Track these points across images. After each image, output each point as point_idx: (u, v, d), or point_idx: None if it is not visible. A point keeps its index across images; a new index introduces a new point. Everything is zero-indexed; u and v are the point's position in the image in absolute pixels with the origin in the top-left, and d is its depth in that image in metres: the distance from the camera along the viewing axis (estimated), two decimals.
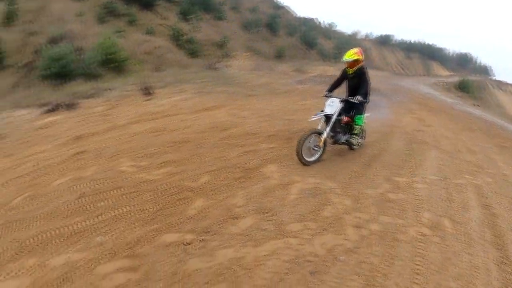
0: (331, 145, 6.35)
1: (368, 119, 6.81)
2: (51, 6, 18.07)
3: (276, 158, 5.93)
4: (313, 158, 5.82)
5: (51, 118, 7.65)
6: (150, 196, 4.47)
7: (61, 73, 12.41)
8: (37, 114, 8.09)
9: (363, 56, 6.09)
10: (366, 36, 60.61)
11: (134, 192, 4.56)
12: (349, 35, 54.55)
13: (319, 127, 5.88)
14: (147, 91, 9.97)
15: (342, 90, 6.53)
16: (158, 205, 4.27)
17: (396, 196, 5.03)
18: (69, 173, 5.12)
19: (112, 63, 13.38)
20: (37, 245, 3.62)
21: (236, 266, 3.29)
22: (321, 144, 5.76)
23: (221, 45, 23.40)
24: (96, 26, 17.91)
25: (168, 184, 4.78)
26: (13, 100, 10.13)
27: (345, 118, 6.07)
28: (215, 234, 3.76)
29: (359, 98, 5.82)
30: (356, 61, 6.06)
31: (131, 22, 20.70)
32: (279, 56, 27.83)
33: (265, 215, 4.15)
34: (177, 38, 20.76)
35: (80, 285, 3.08)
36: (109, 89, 10.23)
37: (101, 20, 19.44)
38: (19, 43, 15.58)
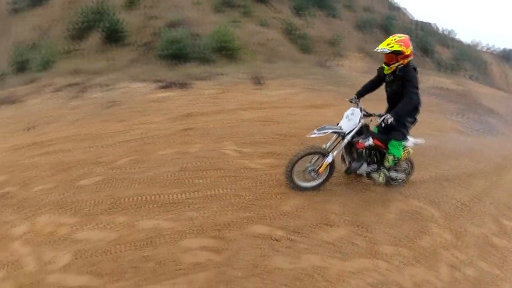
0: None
1: (471, 144, 5.65)
2: None
3: None
4: (309, 184, 4.42)
5: (164, 93, 7.94)
6: (248, 183, 4.42)
7: (177, 54, 13.05)
8: (152, 89, 8.48)
9: (410, 48, 4.02)
10: (488, 48, 53.85)
11: (233, 176, 4.56)
12: (469, 45, 49.09)
13: (328, 144, 4.33)
14: (258, 81, 9.87)
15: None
16: (255, 194, 4.22)
17: (500, 242, 4.40)
18: (175, 146, 5.30)
19: (226, 51, 13.70)
20: (131, 206, 3.88)
21: (318, 275, 3.17)
22: (322, 171, 4.26)
23: (333, 43, 22.53)
24: (212, 15, 18.55)
25: (268, 175, 4.65)
26: (131, 73, 10.89)
27: (360, 142, 4.23)
28: (305, 236, 3.62)
29: (388, 118, 3.84)
30: (396, 54, 3.96)
31: (246, 14, 21.01)
32: None
33: (359, 229, 3.90)
34: (289, 32, 20.48)
35: (162, 252, 3.22)
36: (221, 75, 10.42)
37: (217, 9, 20.03)
38: (140, 25, 16.80)
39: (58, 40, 16.77)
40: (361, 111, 4.21)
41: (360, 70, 19.03)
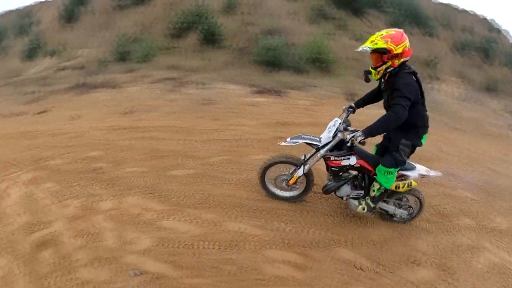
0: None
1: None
2: (267, 2, 19.48)
3: (473, 212, 4.62)
4: (284, 194, 3.99)
5: (258, 98, 7.83)
6: (338, 203, 4.09)
7: (271, 62, 13.10)
8: (246, 92, 8.46)
9: (402, 46, 2.99)
10: None
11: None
12: None
13: (308, 156, 3.69)
14: (351, 97, 9.38)
15: None
16: (344, 216, 3.93)
17: None
18: (268, 152, 5.05)
19: (320, 63, 13.45)
20: (219, 205, 3.84)
21: None
22: (291, 183, 3.77)
23: (428, 64, 21.17)
24: (307, 26, 18.49)
25: None
26: (226, 75, 11.04)
27: (333, 159, 3.51)
28: (390, 271, 3.34)
29: (358, 136, 3.11)
30: (382, 54, 3.03)
31: (340, 27, 20.65)
32: (490, 88, 23.44)
33: (445, 274, 3.49)
34: None
35: (245, 258, 3.16)
36: (314, 86, 10.14)
37: (312, 20, 19.90)
38: (236, 30, 17.21)
39: (158, 36, 17.88)
40: (344, 123, 3.50)
41: (455, 96, 17.63)
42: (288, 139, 3.58)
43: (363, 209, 3.59)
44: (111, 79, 12.01)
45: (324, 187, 3.67)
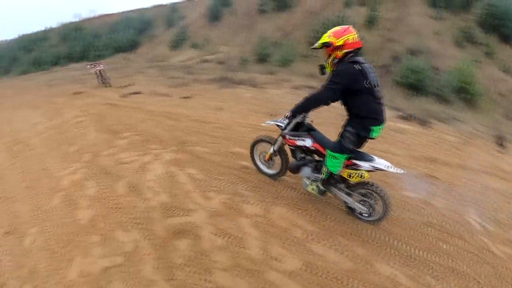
0: None
1: None
2: (409, 18, 18.38)
3: None
4: (266, 171, 4.68)
5: (404, 125, 7.58)
6: (488, 270, 3.66)
7: (415, 85, 12.48)
8: (391, 115, 8.21)
9: (343, 39, 3.24)
10: None
11: (475, 254, 3.86)
12: None
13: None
14: (500, 141, 8.48)
15: None
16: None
17: None
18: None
19: (465, 93, 12.31)
20: (371, 241, 3.68)
21: None
22: (266, 160, 4.49)
23: None
24: (452, 48, 17.12)
25: (510, 270, 3.77)
26: None
27: (289, 137, 4.01)
28: None
29: (286, 114, 3.79)
30: (326, 47, 3.32)
31: (488, 54, 18.64)
32: None
33: None
34: None
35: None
36: (459, 121, 9.40)
37: (458, 43, 18.36)
38: (377, 45, 16.72)
39: (297, 43, 18.26)
40: None
41: None
42: (268, 121, 4.27)
43: (312, 189, 3.94)
44: (251, 78, 12.65)
45: (291, 168, 4.14)
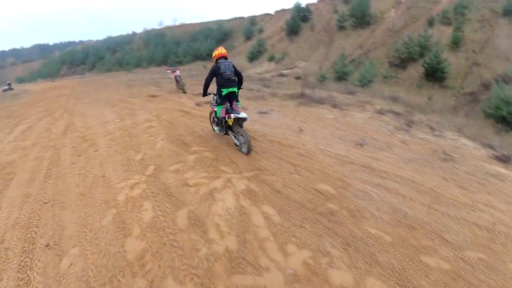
0: None
1: None
2: (497, 40, 16.65)
3: None
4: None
5: (501, 169, 6.18)
6: None
7: (507, 119, 10.77)
8: (483, 154, 6.90)
9: (213, 54, 6.17)
10: None
11: None
12: None
13: None
14: None
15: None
16: None
17: None
18: None
19: None
20: None
21: None
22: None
23: None
24: None
25: None
26: (453, 123, 9.56)
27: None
28: None
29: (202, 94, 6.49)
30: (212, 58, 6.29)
31: None
32: None
33: None
34: None
35: None
36: None
37: None
38: (463, 70, 15.30)
39: (377, 62, 17.21)
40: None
41: None
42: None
43: (214, 130, 6.94)
44: (330, 97, 11.74)
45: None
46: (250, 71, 24.60)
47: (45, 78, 61.75)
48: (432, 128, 8.27)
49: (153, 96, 12.76)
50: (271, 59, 27.54)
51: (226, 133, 6.30)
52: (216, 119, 6.42)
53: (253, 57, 31.05)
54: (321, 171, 5.16)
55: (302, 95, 11.70)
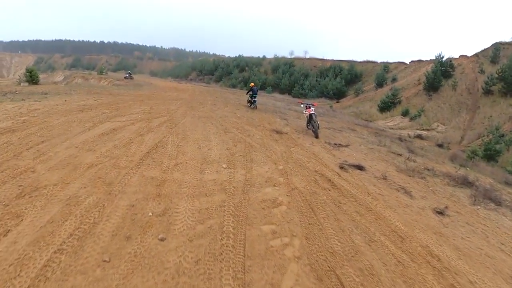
0: None
1: None
2: None
3: None
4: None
5: None
6: None
7: None
8: None
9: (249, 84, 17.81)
10: None
11: None
12: None
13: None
14: None
15: None
16: None
17: None
18: None
19: None
20: None
21: None
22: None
23: None
24: None
25: None
26: None
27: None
28: None
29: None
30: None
31: None
32: None
33: None
34: None
35: None
36: None
37: None
38: None
39: None
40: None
41: None
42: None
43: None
44: (490, 189, 7.64)
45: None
46: (379, 122, 23.27)
47: (175, 78, 68.55)
48: None
49: (278, 132, 10.30)
50: (405, 113, 25.54)
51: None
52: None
53: (385, 107, 29.19)
54: None
55: (465, 181, 7.92)
